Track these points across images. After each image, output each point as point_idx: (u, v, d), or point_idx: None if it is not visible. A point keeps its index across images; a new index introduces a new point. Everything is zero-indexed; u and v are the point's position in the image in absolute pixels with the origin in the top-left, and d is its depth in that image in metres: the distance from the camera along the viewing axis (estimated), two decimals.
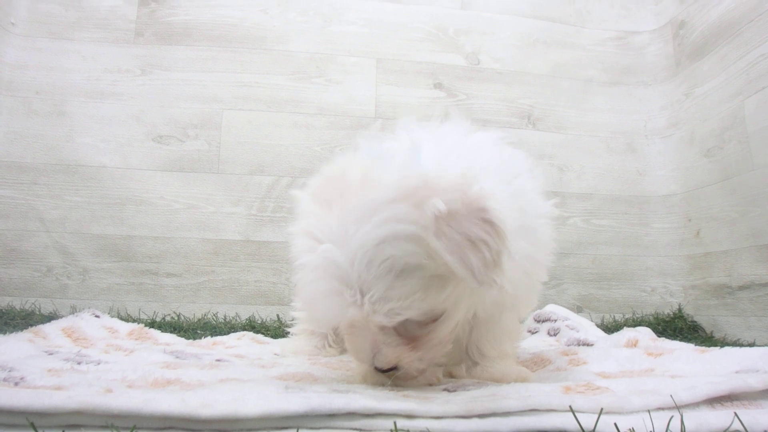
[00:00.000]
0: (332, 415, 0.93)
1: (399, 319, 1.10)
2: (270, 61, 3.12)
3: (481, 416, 0.94)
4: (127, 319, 2.51)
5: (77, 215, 2.83)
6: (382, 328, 1.15)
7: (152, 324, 2.49)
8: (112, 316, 2.40)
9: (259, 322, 2.76)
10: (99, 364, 1.40)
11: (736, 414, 0.92)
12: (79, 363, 1.39)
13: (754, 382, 1.05)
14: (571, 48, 3.40)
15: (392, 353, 1.18)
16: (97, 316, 2.26)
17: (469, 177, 1.11)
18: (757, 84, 2.60)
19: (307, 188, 1.24)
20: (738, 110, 2.70)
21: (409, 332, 1.19)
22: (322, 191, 1.18)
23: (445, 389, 1.19)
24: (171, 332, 2.36)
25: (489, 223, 1.06)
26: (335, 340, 2.04)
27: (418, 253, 1.06)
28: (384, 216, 1.06)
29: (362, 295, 1.07)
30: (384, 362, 1.18)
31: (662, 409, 0.97)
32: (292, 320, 2.14)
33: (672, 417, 0.90)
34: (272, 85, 3.10)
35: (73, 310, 2.56)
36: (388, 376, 1.21)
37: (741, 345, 2.26)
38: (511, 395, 1.00)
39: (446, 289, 1.11)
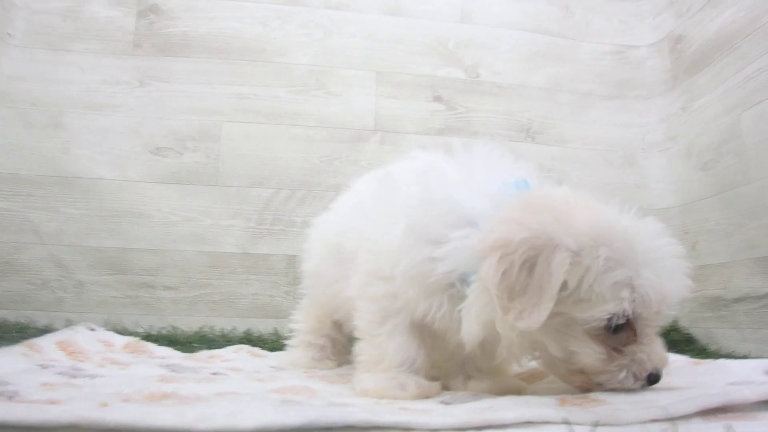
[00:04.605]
0: (329, 429, 0.93)
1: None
2: (269, 73, 3.12)
3: (477, 428, 0.94)
4: (123, 332, 2.50)
5: (73, 228, 2.82)
6: None
7: (148, 337, 2.47)
8: (108, 330, 2.40)
9: (256, 335, 2.75)
10: (94, 378, 1.40)
11: (731, 425, 0.92)
12: (74, 377, 1.39)
13: (750, 394, 1.05)
14: (570, 62, 3.41)
15: None
16: (92, 330, 2.26)
17: None
18: (753, 98, 2.61)
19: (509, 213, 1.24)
20: (735, 124, 2.71)
21: None
22: (532, 210, 1.22)
23: (441, 402, 1.19)
24: (167, 346, 2.34)
25: None
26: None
27: None
28: None
29: None
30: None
31: (657, 420, 0.97)
32: (290, 333, 2.14)
33: (666, 429, 0.90)
34: (271, 98, 3.10)
35: (69, 324, 2.54)
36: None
37: (735, 357, 2.26)
38: (508, 407, 1.01)
39: None
